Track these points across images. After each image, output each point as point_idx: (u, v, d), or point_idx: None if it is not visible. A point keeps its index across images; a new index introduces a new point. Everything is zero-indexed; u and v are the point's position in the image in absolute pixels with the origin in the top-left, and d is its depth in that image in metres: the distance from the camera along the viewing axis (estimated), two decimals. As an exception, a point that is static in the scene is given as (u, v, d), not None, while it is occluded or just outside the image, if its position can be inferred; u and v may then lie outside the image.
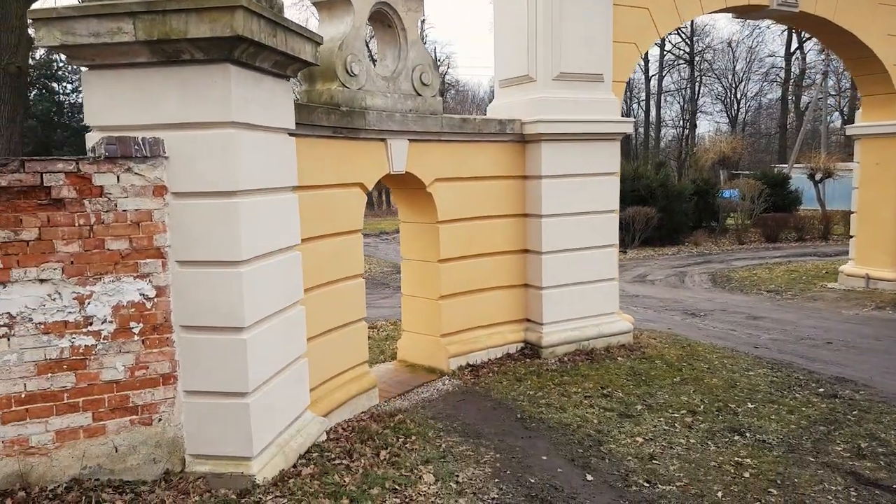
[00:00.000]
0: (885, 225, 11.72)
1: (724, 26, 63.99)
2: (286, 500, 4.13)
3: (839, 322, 9.85)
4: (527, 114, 7.55)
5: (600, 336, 7.97)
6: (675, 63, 44.66)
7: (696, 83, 43.68)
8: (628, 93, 42.90)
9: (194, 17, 3.81)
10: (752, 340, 8.79)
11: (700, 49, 43.27)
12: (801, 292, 12.36)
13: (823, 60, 34.63)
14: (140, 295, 4.13)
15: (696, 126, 44.18)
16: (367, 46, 6.27)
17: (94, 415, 4.10)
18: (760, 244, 20.61)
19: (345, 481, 4.44)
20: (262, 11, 3.97)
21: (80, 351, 4.02)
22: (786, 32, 40.18)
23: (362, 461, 4.81)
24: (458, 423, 5.76)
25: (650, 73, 44.24)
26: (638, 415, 5.90)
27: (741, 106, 47.83)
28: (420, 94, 6.68)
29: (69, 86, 29.29)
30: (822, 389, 6.67)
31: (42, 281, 3.88)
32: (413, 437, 5.35)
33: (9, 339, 3.86)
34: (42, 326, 3.92)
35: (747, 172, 29.59)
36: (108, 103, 4.10)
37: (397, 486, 4.43)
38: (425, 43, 34.66)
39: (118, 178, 4.01)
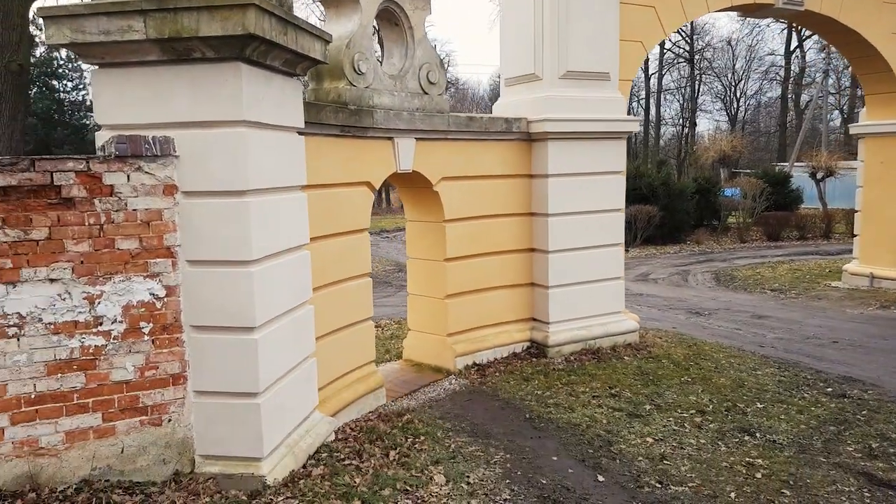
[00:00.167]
0: (889, 224, 11.70)
1: (723, 25, 64.16)
2: (297, 502, 4.10)
3: (844, 321, 9.83)
4: (533, 112, 7.52)
5: (606, 335, 7.95)
6: (675, 61, 44.64)
7: (696, 81, 43.65)
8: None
9: (206, 15, 3.78)
10: (757, 339, 8.77)
11: (700, 47, 43.25)
12: (805, 291, 12.35)
13: (824, 59, 34.65)
14: (150, 295, 4.10)
15: (695, 124, 44.19)
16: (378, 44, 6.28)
17: (104, 415, 4.07)
18: (762, 243, 20.60)
19: (355, 482, 4.42)
20: (273, 9, 3.94)
21: (90, 351, 3.99)
22: (785, 31, 40.19)
23: (372, 462, 4.79)
24: (466, 424, 5.74)
25: (650, 72, 44.20)
26: (647, 415, 5.88)
27: (740, 104, 47.87)
28: (427, 93, 6.65)
29: (69, 83, 29.23)
30: (830, 389, 6.65)
31: (52, 281, 3.85)
32: (422, 438, 5.33)
33: (19, 340, 3.82)
34: (52, 326, 3.88)
35: (748, 171, 29.56)
36: (117, 102, 4.06)
37: (408, 487, 4.40)
38: (426, 41, 34.46)
39: (128, 177, 3.98)
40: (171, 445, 4.25)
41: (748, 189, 21.61)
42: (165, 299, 4.14)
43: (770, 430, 5.58)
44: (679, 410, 5.99)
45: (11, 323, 3.80)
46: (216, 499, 4.08)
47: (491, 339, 7.53)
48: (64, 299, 3.89)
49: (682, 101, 46.63)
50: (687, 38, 41.99)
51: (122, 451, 4.12)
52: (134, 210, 4.01)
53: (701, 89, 45.05)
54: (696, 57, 43.05)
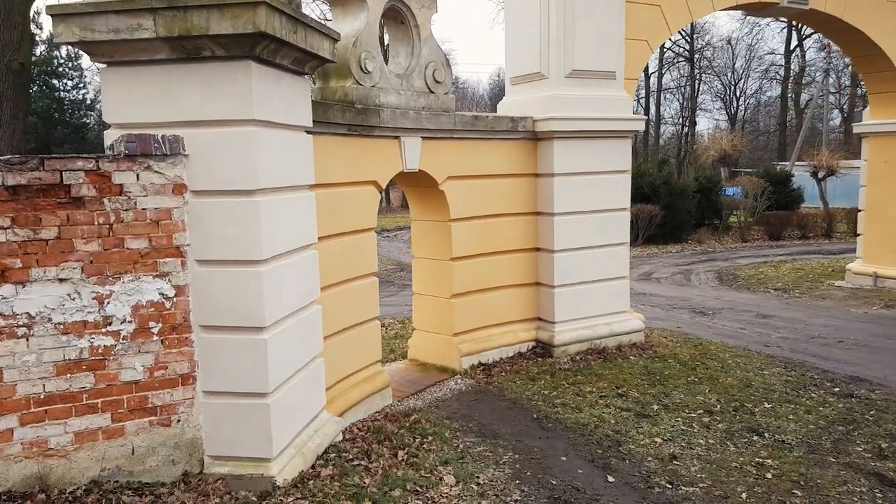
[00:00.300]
0: (893, 223, 11.68)
1: (723, 24, 64.02)
2: (307, 503, 4.08)
3: (849, 321, 9.82)
4: (539, 111, 7.50)
5: (612, 335, 7.93)
6: (675, 60, 44.61)
7: (696, 80, 43.64)
8: (629, 90, 42.73)
9: (216, 14, 3.75)
10: (762, 339, 8.76)
11: (700, 46, 43.23)
12: (809, 290, 12.33)
13: (824, 58, 34.64)
14: (159, 294, 4.08)
15: (695, 123, 44.18)
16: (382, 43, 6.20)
17: (113, 416, 4.05)
18: (764, 242, 20.58)
19: (365, 483, 4.40)
20: (283, 7, 3.92)
21: (100, 351, 3.96)
22: (785, 30, 40.20)
23: (381, 462, 4.76)
24: (473, 424, 5.72)
25: (650, 71, 44.16)
26: (655, 415, 5.87)
27: (740, 103, 47.87)
28: (433, 92, 6.63)
29: (69, 82, 29.17)
30: (837, 389, 6.64)
31: (61, 280, 3.83)
32: (430, 438, 5.31)
33: (28, 340, 3.80)
34: (61, 326, 3.86)
35: (749, 170, 29.55)
36: (126, 100, 4.04)
37: (419, 488, 4.39)
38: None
39: (138, 176, 3.95)
40: (180, 446, 4.23)
41: (750, 188, 21.59)
42: (175, 299, 4.12)
43: (779, 430, 5.56)
44: (687, 410, 5.97)
45: (21, 323, 3.77)
46: (226, 500, 4.06)
47: (496, 338, 7.51)
48: (73, 299, 3.87)
49: (681, 101, 46.64)
50: (687, 38, 41.96)
51: (132, 452, 4.10)
52: (143, 209, 3.99)
53: (701, 88, 45.09)
54: (696, 56, 43.03)
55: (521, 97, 7.97)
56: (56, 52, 28.45)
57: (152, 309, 4.07)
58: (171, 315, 4.12)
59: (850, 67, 35.27)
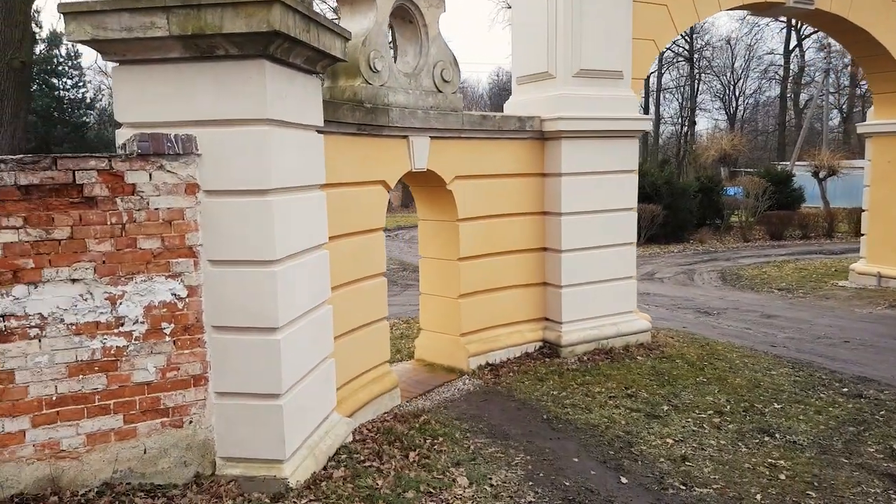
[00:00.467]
0: (897, 223, 11.69)
1: (723, 24, 64.21)
2: (321, 504, 4.05)
3: (854, 321, 9.81)
4: (546, 111, 7.47)
5: (619, 335, 7.91)
6: (675, 60, 44.62)
7: (696, 80, 43.66)
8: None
9: (230, 12, 3.72)
10: (768, 339, 8.75)
11: (699, 46, 43.24)
12: (813, 290, 12.33)
13: (824, 58, 34.69)
14: (172, 295, 4.04)
15: (695, 123, 44.19)
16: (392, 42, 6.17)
17: (125, 417, 4.02)
18: (765, 242, 20.59)
19: (378, 484, 4.37)
20: (297, 6, 3.89)
21: (112, 352, 3.93)
22: (784, 30, 40.23)
23: (392, 463, 4.74)
24: (483, 424, 5.70)
25: (649, 70, 44.16)
26: (665, 415, 5.85)
27: (739, 103, 47.90)
28: (441, 91, 6.61)
29: (69, 81, 29.09)
30: (846, 389, 6.63)
31: (74, 281, 3.80)
32: (440, 439, 5.28)
33: (40, 341, 3.77)
34: (73, 327, 3.83)
35: (750, 170, 29.55)
36: (138, 99, 4.01)
37: (432, 490, 4.36)
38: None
39: (150, 175, 3.92)
40: (192, 447, 4.20)
41: (751, 188, 21.58)
42: (187, 299, 4.09)
43: (790, 431, 5.55)
44: (697, 411, 5.95)
45: (33, 324, 3.74)
46: (238, 502, 4.03)
47: (504, 338, 7.48)
48: (86, 300, 3.83)
49: (681, 100, 46.65)
50: (686, 37, 41.95)
51: (144, 454, 4.07)
52: (156, 209, 3.96)
53: (700, 88, 45.10)
54: (696, 56, 43.04)
55: (527, 97, 7.95)
56: (55, 51, 28.37)
57: (164, 309, 4.04)
58: (184, 315, 4.09)
59: (848, 67, 35.34)
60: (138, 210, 3.92)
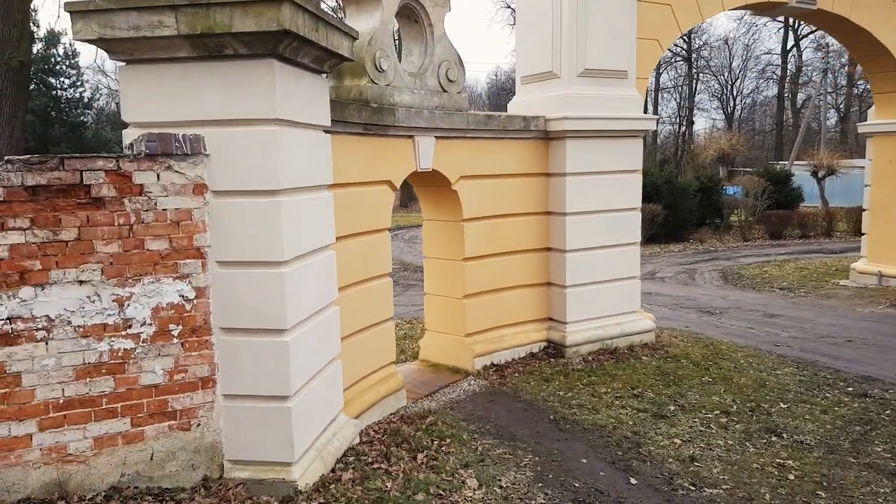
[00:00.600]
0: (898, 222, 11.70)
1: (720, 24, 64.19)
2: (331, 507, 4.02)
3: (856, 320, 9.82)
4: (551, 110, 7.45)
5: (623, 335, 7.90)
6: (673, 60, 44.65)
7: (693, 80, 43.69)
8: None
9: (239, 11, 3.69)
10: (771, 339, 8.74)
11: (697, 46, 43.28)
12: (814, 290, 12.33)
13: (822, 58, 34.75)
14: (179, 296, 4.01)
15: (693, 123, 44.23)
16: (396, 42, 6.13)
17: (133, 420, 3.98)
18: (765, 241, 20.60)
19: (387, 486, 4.34)
20: (306, 5, 3.85)
21: (119, 354, 3.90)
22: (782, 30, 40.29)
23: (401, 465, 4.71)
24: (490, 425, 5.67)
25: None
26: (672, 415, 5.83)
27: (737, 103, 47.96)
28: (446, 91, 6.58)
29: (66, 81, 28.97)
30: (851, 389, 6.62)
31: (81, 282, 3.76)
32: (448, 440, 5.26)
33: (47, 343, 3.73)
34: (81, 329, 3.79)
35: (749, 169, 29.59)
36: (146, 99, 3.97)
37: (442, 492, 4.33)
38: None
39: (158, 176, 3.89)
40: (199, 450, 4.16)
41: (750, 187, 21.60)
42: (195, 301, 4.05)
43: (797, 431, 5.54)
44: (703, 411, 5.94)
45: (40, 326, 3.70)
46: (247, 504, 3.99)
47: (508, 339, 7.46)
48: (93, 301, 3.80)
49: (679, 100, 46.69)
50: (684, 37, 41.97)
51: (151, 457, 4.04)
52: (164, 210, 3.92)
53: (698, 88, 45.13)
54: (694, 55, 43.07)
55: (532, 96, 7.93)
56: (53, 51, 28.26)
57: (172, 311, 4.00)
58: (192, 317, 4.06)
59: (846, 67, 35.41)
60: (146, 211, 3.88)
